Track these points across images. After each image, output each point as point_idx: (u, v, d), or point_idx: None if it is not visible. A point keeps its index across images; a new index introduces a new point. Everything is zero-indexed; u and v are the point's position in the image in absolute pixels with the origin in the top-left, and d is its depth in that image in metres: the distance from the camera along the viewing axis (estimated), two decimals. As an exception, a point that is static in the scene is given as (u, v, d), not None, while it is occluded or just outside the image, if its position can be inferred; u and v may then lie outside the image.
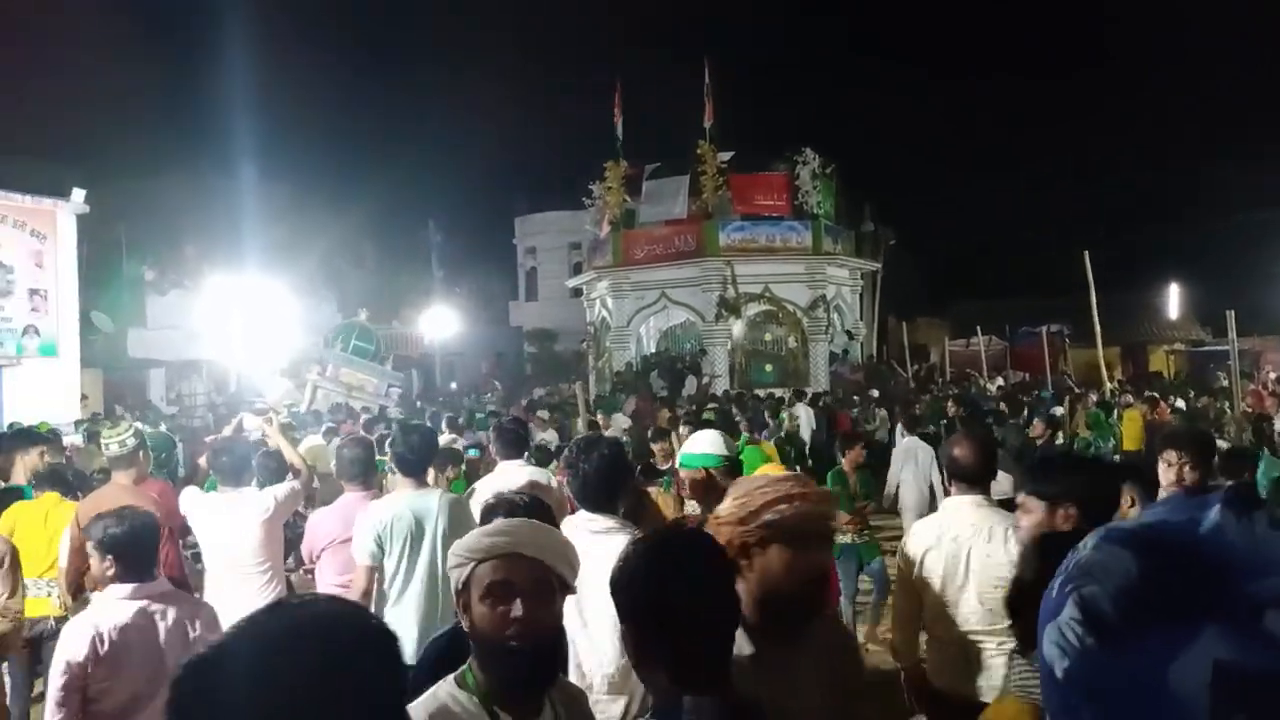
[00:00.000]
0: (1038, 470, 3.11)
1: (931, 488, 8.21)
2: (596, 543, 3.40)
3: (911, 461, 8.53)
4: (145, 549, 3.49)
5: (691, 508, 4.62)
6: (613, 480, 3.56)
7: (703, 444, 4.06)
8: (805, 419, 15.07)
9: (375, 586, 4.29)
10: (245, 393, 20.64)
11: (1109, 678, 0.75)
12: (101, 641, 3.28)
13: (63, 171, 21.01)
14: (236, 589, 4.72)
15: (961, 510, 3.59)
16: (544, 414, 14.54)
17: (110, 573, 3.40)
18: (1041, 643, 0.81)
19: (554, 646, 2.01)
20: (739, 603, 1.85)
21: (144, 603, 3.41)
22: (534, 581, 1.95)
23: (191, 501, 5.09)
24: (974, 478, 3.63)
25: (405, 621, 4.18)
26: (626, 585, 1.76)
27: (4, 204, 17.88)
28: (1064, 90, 61.08)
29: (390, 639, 1.15)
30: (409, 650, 3.39)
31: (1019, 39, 68.45)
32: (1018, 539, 3.08)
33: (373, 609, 4.13)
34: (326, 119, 56.36)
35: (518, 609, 1.90)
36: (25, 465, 6.27)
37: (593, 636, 3.26)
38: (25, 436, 7.14)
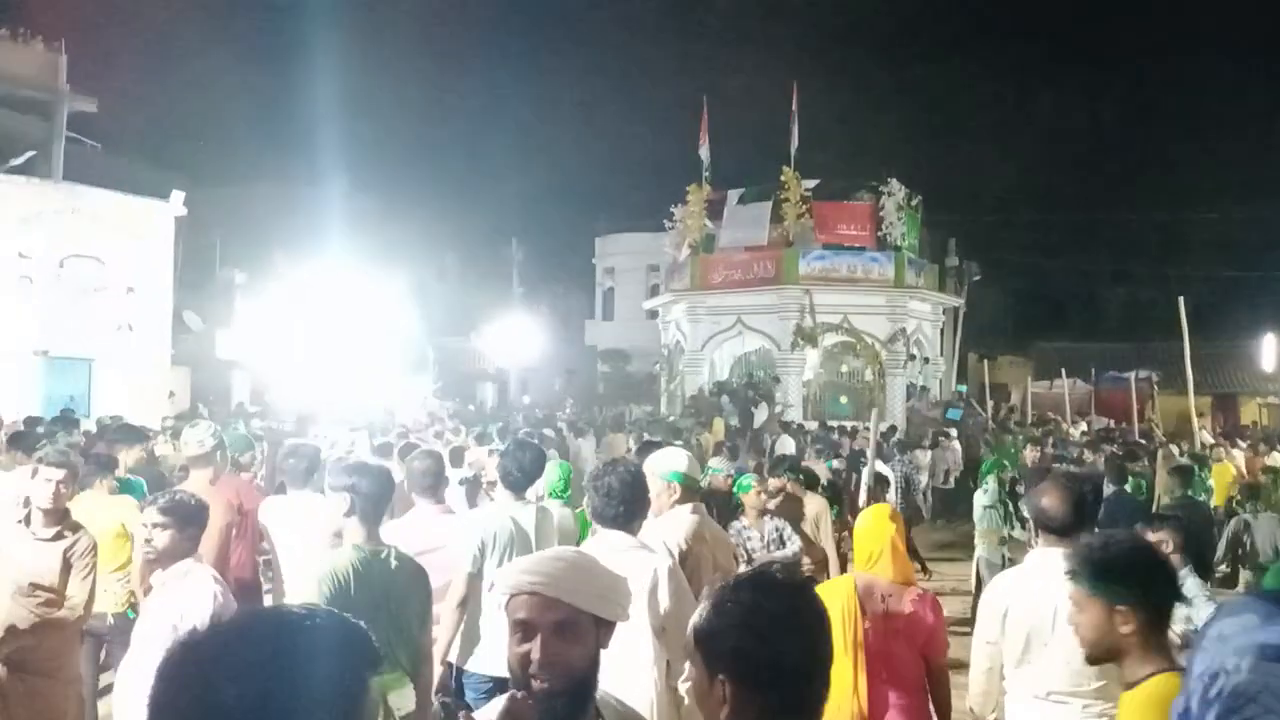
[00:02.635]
0: (1098, 564, 2.59)
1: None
2: (618, 562, 3.41)
3: None
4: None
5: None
6: (631, 500, 3.63)
7: (671, 460, 4.49)
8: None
9: (474, 595, 4.37)
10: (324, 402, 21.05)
11: None
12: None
13: (163, 173, 21.85)
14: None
15: (1050, 563, 3.42)
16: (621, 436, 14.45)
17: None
18: None
19: (580, 686, 1.94)
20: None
21: None
22: (555, 623, 1.90)
23: (268, 509, 5.17)
24: (1063, 529, 3.46)
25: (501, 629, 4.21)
26: (724, 634, 1.64)
27: (106, 203, 18.58)
28: (1161, 127, 59.53)
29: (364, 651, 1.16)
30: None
31: (1113, 71, 66.96)
32: (1076, 635, 2.68)
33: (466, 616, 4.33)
34: (415, 134, 57.54)
35: (536, 649, 1.88)
36: (127, 460, 6.43)
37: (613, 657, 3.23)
38: (131, 432, 7.35)
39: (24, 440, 7.02)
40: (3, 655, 4.16)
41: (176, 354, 20.61)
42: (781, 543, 6.23)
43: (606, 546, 3.53)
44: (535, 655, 1.87)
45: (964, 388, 24.46)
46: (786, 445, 13.95)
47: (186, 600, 3.48)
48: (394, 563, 3.79)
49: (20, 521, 4.37)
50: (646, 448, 5.97)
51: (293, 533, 5.08)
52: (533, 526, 4.68)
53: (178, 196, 19.56)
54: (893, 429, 19.10)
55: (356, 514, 3.81)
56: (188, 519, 3.63)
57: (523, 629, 1.91)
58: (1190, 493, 9.10)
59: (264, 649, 1.07)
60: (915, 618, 3.75)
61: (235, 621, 1.13)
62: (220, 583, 3.69)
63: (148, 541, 3.56)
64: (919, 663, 3.78)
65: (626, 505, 3.62)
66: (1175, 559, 4.33)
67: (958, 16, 68.12)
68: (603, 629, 1.98)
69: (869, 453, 8.61)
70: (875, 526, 3.98)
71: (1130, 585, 2.50)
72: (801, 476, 7.53)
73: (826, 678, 1.67)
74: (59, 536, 4.34)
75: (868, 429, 17.85)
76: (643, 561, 3.53)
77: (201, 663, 1.06)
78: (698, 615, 1.71)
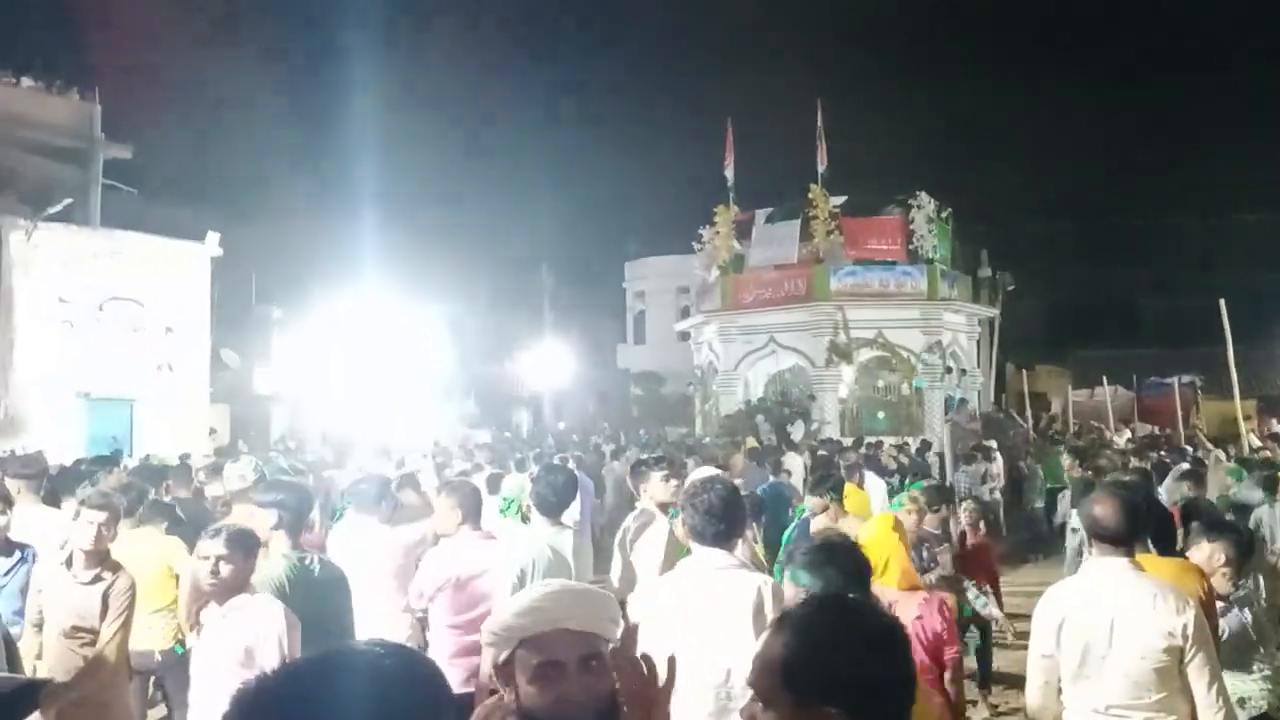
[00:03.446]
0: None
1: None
2: (722, 581, 3.42)
3: None
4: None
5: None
6: (730, 517, 3.57)
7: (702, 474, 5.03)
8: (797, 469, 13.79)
9: None
10: (362, 431, 21.21)
11: None
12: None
13: (199, 213, 22.19)
14: (364, 622, 4.73)
15: (1106, 573, 3.34)
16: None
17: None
18: None
19: (609, 714, 1.83)
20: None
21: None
22: (583, 658, 1.80)
23: (337, 538, 5.21)
24: (1118, 539, 3.38)
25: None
26: (815, 660, 1.48)
27: (143, 247, 18.92)
28: (1197, 128, 58.78)
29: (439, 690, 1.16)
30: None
31: (1147, 75, 66.32)
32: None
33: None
34: (445, 166, 58.07)
35: (571, 691, 1.75)
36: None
37: (704, 675, 3.20)
38: (151, 471, 7.42)
39: (68, 479, 7.08)
40: (58, 698, 4.18)
41: (215, 391, 20.86)
42: (935, 562, 6.00)
43: (709, 565, 3.47)
44: (574, 698, 1.75)
45: (963, 396, 23.96)
46: (794, 464, 13.65)
47: (256, 625, 3.49)
48: (318, 568, 4.12)
49: (62, 564, 4.40)
50: (638, 467, 5.87)
51: (358, 559, 5.08)
52: (570, 551, 4.65)
53: (213, 238, 19.87)
54: (926, 444, 18.87)
55: (284, 527, 4.21)
56: (250, 551, 3.66)
57: (549, 672, 1.78)
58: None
59: (343, 688, 1.05)
60: (923, 623, 3.80)
61: (311, 661, 1.11)
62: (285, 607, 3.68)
63: (213, 573, 3.54)
64: (930, 665, 3.81)
65: (727, 524, 3.55)
66: (1226, 573, 4.14)
67: (984, 27, 67.92)
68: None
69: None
70: (881, 536, 3.98)
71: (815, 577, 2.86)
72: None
73: (913, 695, 1.55)
74: (98, 579, 4.35)
75: (881, 444, 17.75)
76: (747, 581, 3.46)
77: (281, 701, 1.04)
78: (780, 644, 1.53)
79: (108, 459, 9.89)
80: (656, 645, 3.40)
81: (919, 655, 3.72)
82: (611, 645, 1.91)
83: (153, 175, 27.26)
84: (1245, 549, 4.39)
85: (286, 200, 33.66)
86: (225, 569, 3.53)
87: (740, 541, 3.84)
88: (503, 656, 1.84)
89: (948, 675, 3.87)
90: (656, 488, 5.29)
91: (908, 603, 3.83)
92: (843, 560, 2.98)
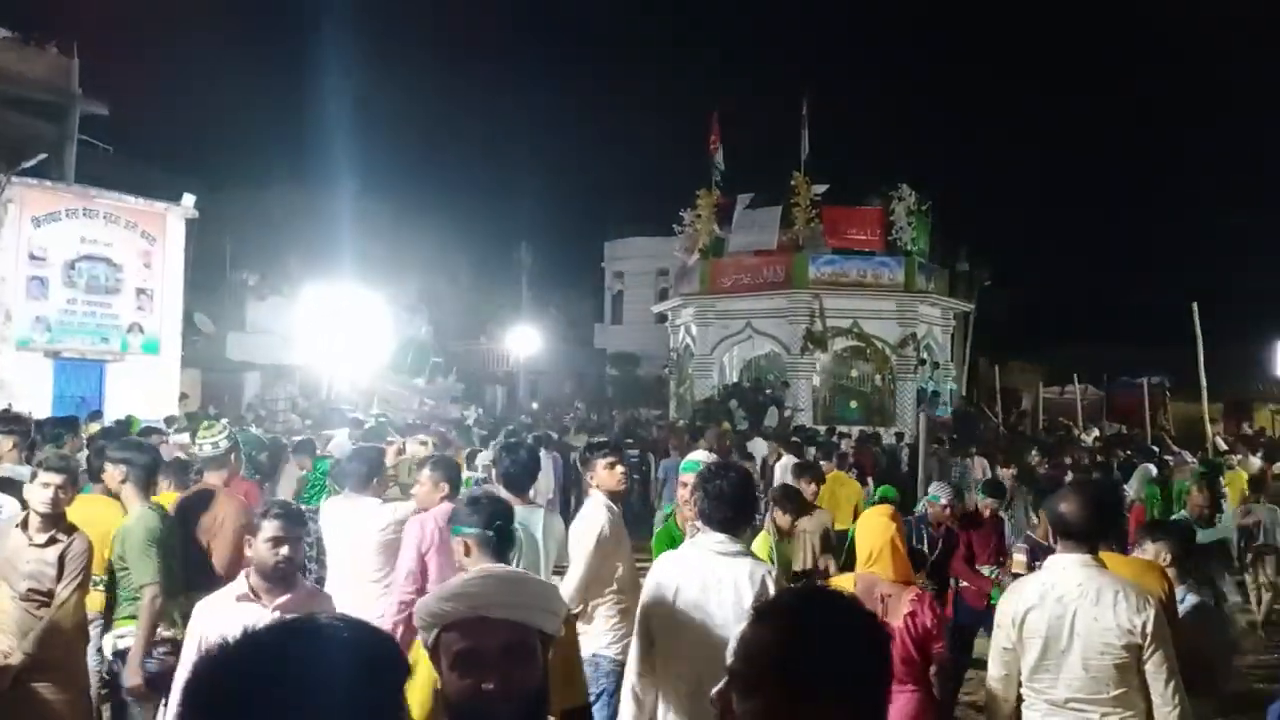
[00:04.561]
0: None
1: None
2: (723, 564, 3.45)
3: None
4: None
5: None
6: (741, 504, 3.57)
7: (697, 456, 5.32)
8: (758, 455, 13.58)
9: None
10: (336, 400, 21.13)
11: None
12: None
13: (174, 177, 21.91)
14: (353, 598, 4.72)
15: (1068, 569, 3.38)
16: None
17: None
18: None
19: (533, 707, 1.77)
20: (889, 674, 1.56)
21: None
22: (505, 646, 1.73)
23: (327, 511, 5.19)
24: (1082, 535, 3.42)
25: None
26: (805, 649, 1.43)
27: (117, 205, 18.65)
28: (1174, 128, 59.26)
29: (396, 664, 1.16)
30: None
31: (1125, 76, 66.68)
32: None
33: None
34: (426, 139, 57.73)
35: (489, 680, 1.69)
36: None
37: (698, 652, 3.29)
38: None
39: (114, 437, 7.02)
40: (14, 660, 4.16)
41: (187, 356, 20.64)
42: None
43: (710, 547, 3.48)
44: (489, 686, 1.68)
45: (935, 389, 24.04)
46: (758, 448, 13.87)
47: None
48: (162, 515, 4.78)
49: (18, 526, 4.36)
50: (584, 454, 5.80)
51: (345, 537, 5.06)
52: (540, 530, 4.57)
53: (189, 199, 19.61)
54: (900, 435, 19.02)
55: (132, 481, 4.81)
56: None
57: (467, 659, 1.72)
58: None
59: (294, 659, 1.05)
60: (914, 617, 3.82)
61: (266, 631, 1.11)
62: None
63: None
64: (919, 659, 3.84)
65: (737, 510, 3.55)
66: (1170, 573, 4.22)
67: (970, 22, 67.99)
68: (546, 644, 1.83)
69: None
70: (876, 524, 4.01)
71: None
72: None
73: (890, 684, 1.55)
74: (53, 541, 4.31)
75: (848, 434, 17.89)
76: (748, 568, 3.46)
77: (230, 676, 1.04)
78: (767, 632, 1.47)
79: (73, 421, 9.76)
80: (657, 620, 3.46)
81: (908, 648, 3.77)
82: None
83: (129, 134, 26.91)
84: (1187, 549, 4.60)
85: (264, 168, 33.32)
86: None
87: (748, 529, 3.83)
88: (430, 640, 1.80)
89: (933, 669, 3.91)
90: (603, 476, 4.91)
91: (900, 596, 3.85)
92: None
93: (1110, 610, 3.23)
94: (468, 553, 3.19)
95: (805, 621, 1.47)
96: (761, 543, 5.88)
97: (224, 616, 3.32)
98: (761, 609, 1.55)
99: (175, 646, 4.56)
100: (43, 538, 4.31)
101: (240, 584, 3.54)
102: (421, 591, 3.97)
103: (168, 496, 5.75)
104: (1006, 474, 10.21)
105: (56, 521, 4.36)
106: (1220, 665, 4.30)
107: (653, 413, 26.52)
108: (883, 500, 7.13)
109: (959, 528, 7.02)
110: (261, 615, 3.30)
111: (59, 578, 4.28)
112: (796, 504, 6.42)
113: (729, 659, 1.49)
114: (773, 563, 5.60)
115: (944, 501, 6.90)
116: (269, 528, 3.51)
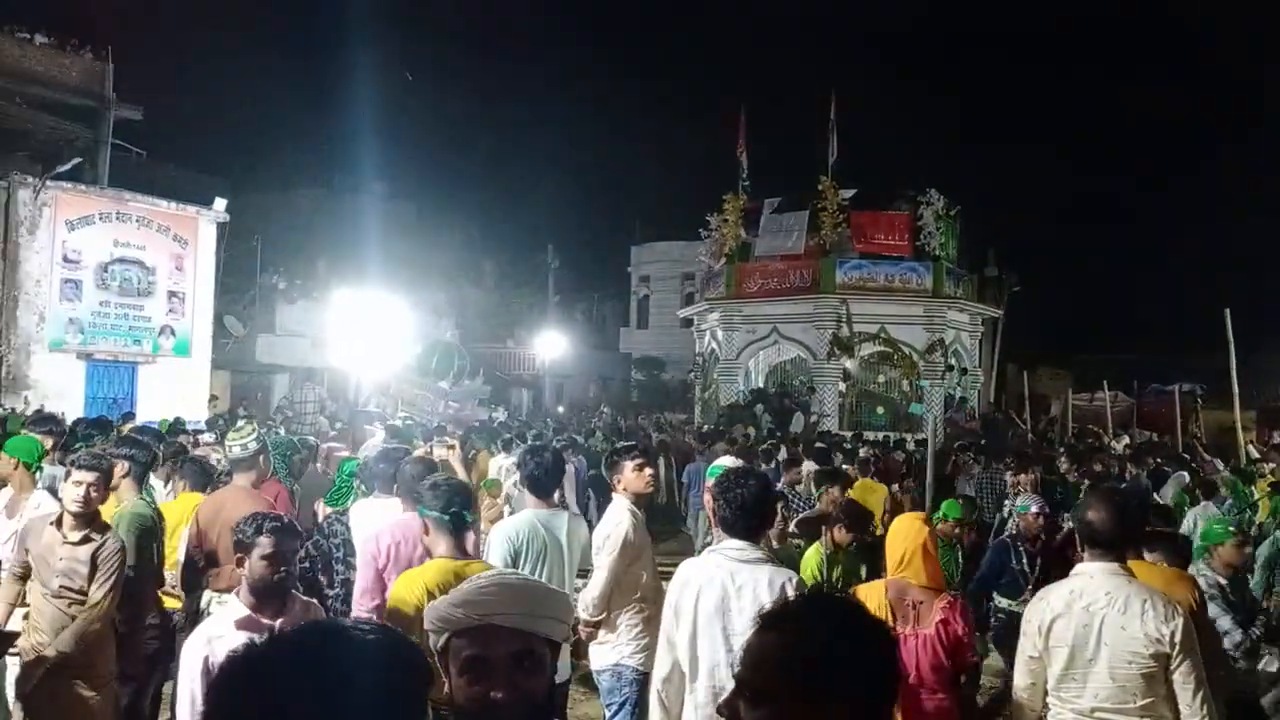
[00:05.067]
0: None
1: None
2: (744, 571, 3.46)
3: None
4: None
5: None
6: (762, 511, 3.60)
7: (723, 461, 5.55)
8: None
9: None
10: (364, 401, 21.26)
11: None
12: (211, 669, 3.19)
13: (206, 181, 22.18)
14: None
15: (1096, 578, 3.35)
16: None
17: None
18: None
19: (540, 715, 1.78)
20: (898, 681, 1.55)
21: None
22: (513, 656, 1.73)
23: (358, 513, 5.20)
24: (1110, 543, 3.38)
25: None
26: (819, 656, 1.43)
27: (150, 209, 18.90)
28: (1208, 134, 58.52)
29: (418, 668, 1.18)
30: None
31: (1159, 81, 65.98)
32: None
33: None
34: (454, 144, 58.10)
35: (498, 689, 1.70)
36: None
37: (717, 656, 3.33)
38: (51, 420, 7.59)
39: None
40: (45, 656, 4.22)
41: (217, 358, 20.88)
42: None
43: (731, 554, 3.49)
44: (497, 695, 1.69)
45: (963, 395, 23.82)
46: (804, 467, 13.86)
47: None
48: (154, 510, 5.03)
49: (52, 524, 4.42)
50: (610, 458, 5.73)
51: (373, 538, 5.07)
52: (564, 534, 4.55)
53: (220, 203, 19.84)
54: (923, 442, 18.85)
55: (132, 476, 5.03)
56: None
57: (475, 666, 1.73)
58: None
59: (320, 662, 1.06)
60: (946, 625, 3.77)
61: (295, 634, 1.12)
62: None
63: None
64: (950, 667, 3.79)
65: (758, 519, 3.56)
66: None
67: (1000, 27, 67.56)
68: (554, 652, 1.83)
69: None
70: (907, 530, 3.96)
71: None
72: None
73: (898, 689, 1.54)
74: (87, 540, 4.36)
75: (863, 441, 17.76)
76: (769, 575, 3.45)
77: (259, 676, 1.05)
78: (779, 639, 1.46)
79: (105, 422, 9.89)
80: (680, 627, 3.47)
81: (939, 656, 3.72)
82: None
83: (162, 138, 27.24)
84: (1183, 556, 4.64)
85: (294, 172, 33.65)
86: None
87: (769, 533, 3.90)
88: (439, 644, 1.81)
89: (964, 678, 3.87)
90: (630, 478, 4.76)
91: (932, 603, 3.80)
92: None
93: (1138, 620, 3.19)
94: (426, 532, 3.67)
95: (811, 628, 1.46)
96: (813, 554, 5.80)
97: (228, 639, 3.21)
98: (767, 616, 1.55)
99: (162, 631, 4.99)
100: (76, 535, 4.35)
101: (235, 607, 3.42)
102: (381, 606, 3.87)
103: (188, 498, 5.82)
104: (1026, 480, 9.94)
105: (90, 520, 4.41)
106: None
107: (678, 417, 26.50)
108: (945, 519, 6.88)
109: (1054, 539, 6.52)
110: (264, 631, 3.21)
111: (91, 577, 4.33)
112: (862, 525, 6.05)
113: (736, 667, 1.49)
114: (823, 576, 5.60)
115: (1034, 510, 6.46)
116: (264, 544, 3.43)
